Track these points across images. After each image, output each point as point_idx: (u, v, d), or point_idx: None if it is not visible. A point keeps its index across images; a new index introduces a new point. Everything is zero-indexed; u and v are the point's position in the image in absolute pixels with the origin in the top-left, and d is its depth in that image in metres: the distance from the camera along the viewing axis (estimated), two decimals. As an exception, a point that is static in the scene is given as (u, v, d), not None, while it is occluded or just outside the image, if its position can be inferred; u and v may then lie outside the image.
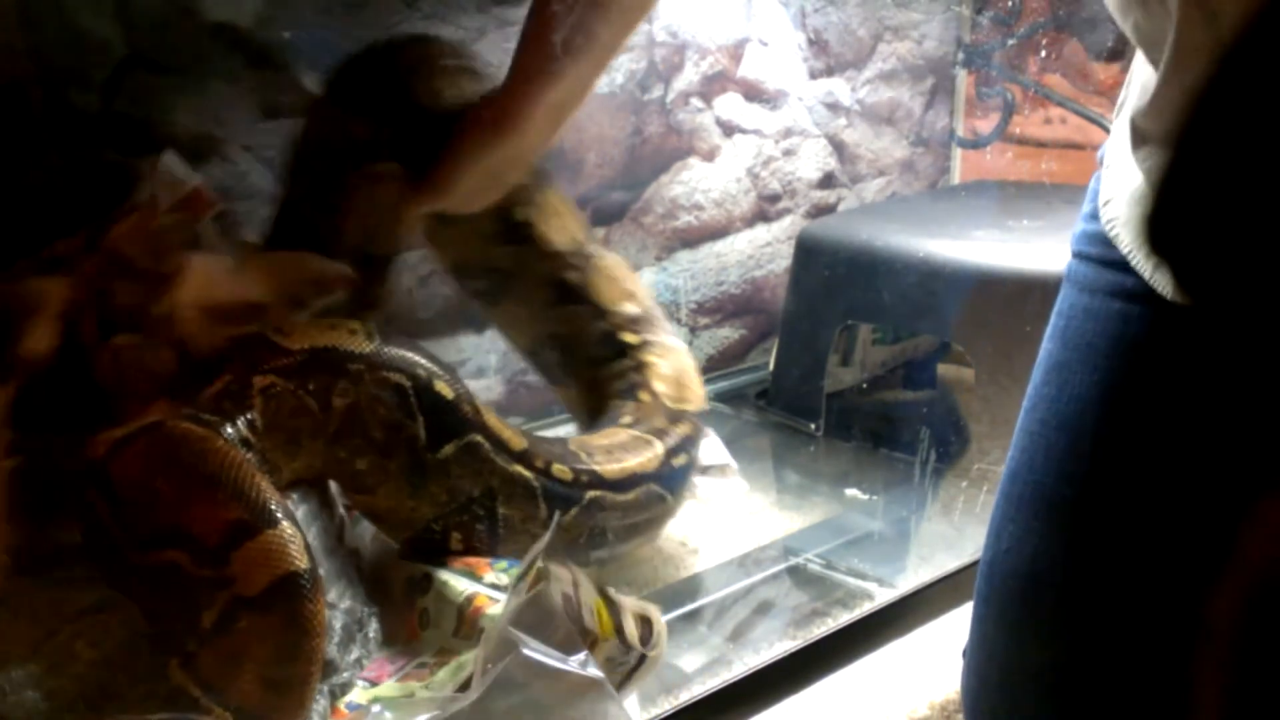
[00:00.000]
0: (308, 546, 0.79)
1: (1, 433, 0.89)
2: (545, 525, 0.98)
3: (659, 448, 1.10)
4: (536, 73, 0.97)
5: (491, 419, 0.98)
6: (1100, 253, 0.75)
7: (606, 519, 1.04)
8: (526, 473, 0.98)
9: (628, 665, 0.95)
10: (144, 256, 0.94)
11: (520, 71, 0.98)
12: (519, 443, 0.99)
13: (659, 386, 1.17)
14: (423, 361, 0.95)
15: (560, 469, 1.01)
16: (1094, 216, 0.77)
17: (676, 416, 1.14)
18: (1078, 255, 0.78)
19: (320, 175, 1.04)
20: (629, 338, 1.19)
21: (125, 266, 0.94)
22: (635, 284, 1.24)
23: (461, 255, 1.19)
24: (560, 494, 1.00)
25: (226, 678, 0.74)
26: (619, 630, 0.95)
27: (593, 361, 1.20)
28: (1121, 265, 0.73)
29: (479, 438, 0.96)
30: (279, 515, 0.78)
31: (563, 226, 1.18)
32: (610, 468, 1.05)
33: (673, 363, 1.20)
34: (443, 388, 0.94)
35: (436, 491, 0.95)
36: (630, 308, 1.21)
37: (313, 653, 0.77)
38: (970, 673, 0.84)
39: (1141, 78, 0.70)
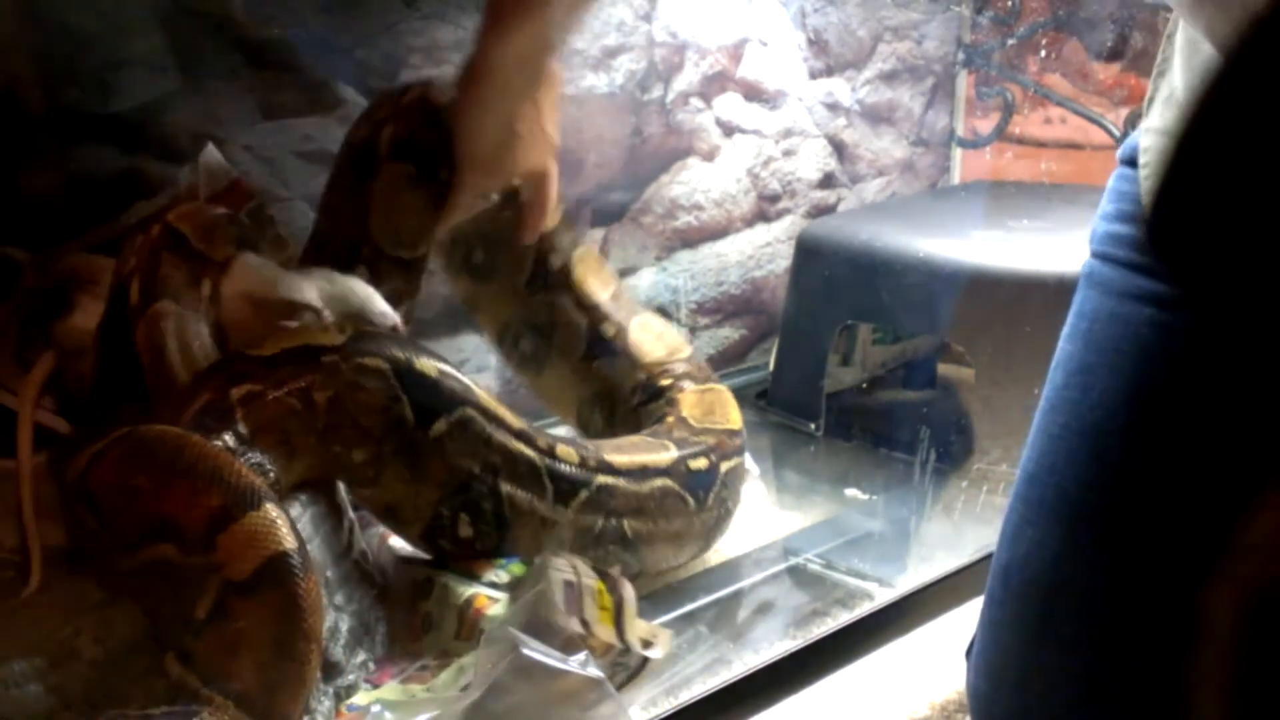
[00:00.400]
0: (294, 526, 0.78)
1: (28, 427, 0.90)
2: (553, 508, 0.98)
3: (673, 449, 1.09)
4: (502, 13, 0.99)
5: (485, 396, 0.98)
6: (1127, 256, 0.74)
7: (620, 509, 1.03)
8: (528, 450, 0.98)
9: (629, 667, 0.95)
10: (199, 239, 0.97)
11: (488, 16, 1.01)
12: (518, 422, 0.99)
13: (685, 411, 1.17)
14: (398, 344, 0.95)
15: (565, 451, 1.01)
16: (1117, 218, 0.76)
17: (700, 432, 1.14)
18: (1100, 257, 0.77)
19: (350, 183, 1.08)
20: (665, 381, 1.21)
21: (180, 243, 0.96)
22: (675, 337, 1.26)
23: (503, 314, 1.22)
24: (566, 475, 0.99)
25: (224, 665, 0.73)
26: (618, 613, 0.94)
27: (633, 412, 1.22)
28: (1150, 270, 0.72)
29: (471, 411, 0.95)
30: (261, 497, 0.78)
31: (597, 280, 1.22)
32: (620, 458, 1.04)
33: (709, 397, 1.20)
34: (424, 365, 0.94)
35: (436, 471, 0.95)
36: (670, 361, 1.23)
37: (310, 631, 0.76)
38: (980, 675, 0.83)
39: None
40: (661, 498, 1.06)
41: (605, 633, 0.94)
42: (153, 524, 0.77)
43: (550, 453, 0.99)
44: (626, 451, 1.06)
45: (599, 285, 1.22)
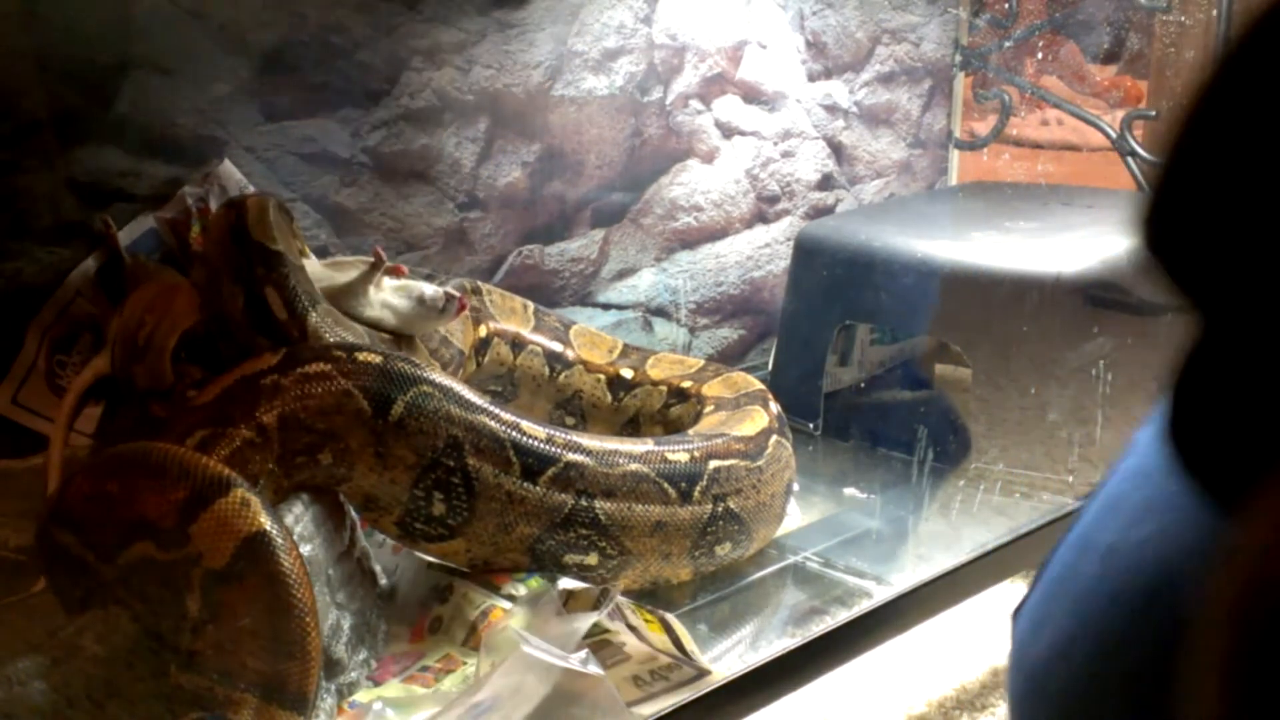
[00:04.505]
0: (267, 507, 0.79)
1: (64, 427, 0.91)
2: (520, 483, 0.99)
3: (650, 442, 1.10)
4: None
5: (440, 375, 0.99)
6: None
7: (591, 490, 1.03)
8: (491, 423, 0.99)
9: (683, 677, 0.95)
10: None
11: None
12: (480, 399, 1.00)
13: (705, 419, 1.24)
14: (335, 346, 0.96)
15: (531, 427, 1.01)
16: None
17: (710, 435, 1.16)
18: None
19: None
20: (685, 384, 1.35)
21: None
22: (686, 359, 1.43)
23: (543, 408, 1.37)
24: (532, 449, 1.00)
25: (229, 658, 0.74)
26: (668, 628, 0.95)
27: (659, 418, 1.35)
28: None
29: (425, 389, 0.97)
30: (229, 483, 0.79)
31: (598, 346, 1.39)
32: (591, 442, 1.05)
33: (734, 377, 1.35)
34: (367, 356, 0.96)
35: (403, 453, 0.96)
36: (684, 373, 1.37)
37: (301, 604, 0.77)
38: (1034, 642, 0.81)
39: None
40: (636, 483, 1.06)
41: (658, 640, 0.94)
42: (130, 525, 0.78)
43: (515, 427, 1.00)
44: (601, 439, 1.08)
45: (600, 351, 1.39)
